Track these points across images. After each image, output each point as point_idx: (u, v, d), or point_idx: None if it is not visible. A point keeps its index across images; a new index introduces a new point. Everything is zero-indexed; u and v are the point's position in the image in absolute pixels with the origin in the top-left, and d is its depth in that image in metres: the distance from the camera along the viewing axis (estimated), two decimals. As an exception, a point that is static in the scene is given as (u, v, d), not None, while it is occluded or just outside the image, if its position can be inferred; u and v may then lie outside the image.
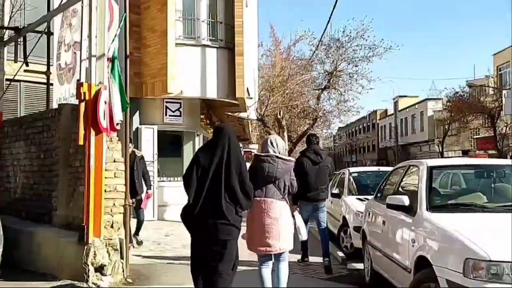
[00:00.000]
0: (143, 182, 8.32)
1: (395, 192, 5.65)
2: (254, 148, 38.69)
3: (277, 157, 4.76)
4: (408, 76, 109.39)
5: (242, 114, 18.23)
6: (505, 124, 28.22)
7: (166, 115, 13.21)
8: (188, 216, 4.17)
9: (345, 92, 18.05)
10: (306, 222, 6.71)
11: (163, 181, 13.15)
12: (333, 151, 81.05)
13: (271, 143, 4.87)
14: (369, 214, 6.47)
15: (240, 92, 12.83)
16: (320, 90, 18.55)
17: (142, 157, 8.50)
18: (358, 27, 17.30)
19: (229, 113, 16.99)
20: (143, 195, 8.36)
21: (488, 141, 32.33)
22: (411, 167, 5.66)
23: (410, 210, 4.74)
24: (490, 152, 31.45)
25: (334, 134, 29.27)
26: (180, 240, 9.11)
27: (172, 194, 13.01)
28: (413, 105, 48.44)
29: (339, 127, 35.73)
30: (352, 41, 17.46)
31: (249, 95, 16.54)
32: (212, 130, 17.57)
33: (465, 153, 36.94)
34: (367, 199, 7.57)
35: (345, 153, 73.73)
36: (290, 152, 20.00)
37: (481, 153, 32.65)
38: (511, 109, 14.85)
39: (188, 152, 14.01)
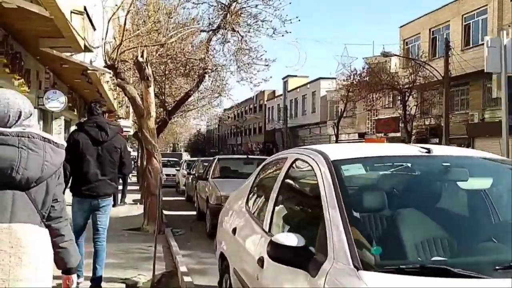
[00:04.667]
0: None
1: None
2: (127, 125, 30.36)
3: (43, 138, 2.24)
4: (318, 38, 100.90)
5: (80, 58, 10.70)
6: (416, 103, 24.00)
7: None
8: None
9: (248, 33, 11.35)
10: (81, 230, 4.99)
11: None
12: (218, 132, 75.22)
13: (18, 104, 2.26)
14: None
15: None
16: (210, 32, 11.67)
17: None
18: None
19: (53, 51, 9.40)
20: None
21: (388, 123, 28.24)
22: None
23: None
24: (392, 135, 27.39)
25: (221, 111, 22.39)
26: None
27: None
28: (304, 84, 43.75)
29: (225, 109, 28.50)
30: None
31: (87, 15, 9.16)
32: (22, 81, 9.71)
33: (361, 136, 32.88)
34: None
35: (230, 135, 68.14)
36: (163, 125, 12.86)
37: (382, 135, 28.51)
38: (501, 64, 9.08)
39: None
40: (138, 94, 9.99)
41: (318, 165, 2.62)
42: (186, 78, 13.20)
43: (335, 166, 2.50)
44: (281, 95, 50.04)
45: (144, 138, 9.26)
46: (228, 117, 26.37)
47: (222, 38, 11.88)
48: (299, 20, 12.03)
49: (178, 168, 22.24)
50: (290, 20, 11.66)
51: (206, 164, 14.07)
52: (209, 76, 12.49)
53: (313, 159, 2.73)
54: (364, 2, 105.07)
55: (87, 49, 9.86)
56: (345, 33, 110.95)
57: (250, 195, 3.76)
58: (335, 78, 34.58)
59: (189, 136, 76.76)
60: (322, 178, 2.47)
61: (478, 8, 22.26)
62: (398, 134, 27.15)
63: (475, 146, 22.47)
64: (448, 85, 21.34)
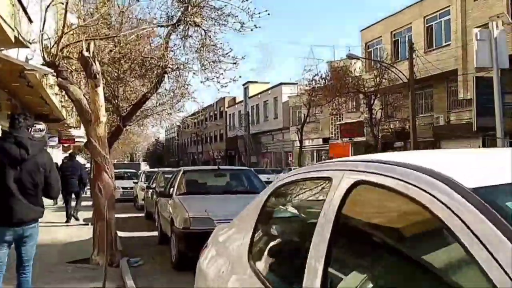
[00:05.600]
0: None
1: None
2: (79, 135, 27.89)
3: None
4: (286, 40, 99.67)
5: (13, 55, 8.87)
6: (381, 107, 23.20)
7: None
8: None
9: (212, 27, 9.85)
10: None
11: None
12: (178, 140, 72.90)
13: None
14: None
15: None
16: (169, 27, 10.11)
17: None
18: None
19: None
20: None
21: (353, 127, 27.41)
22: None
23: None
24: (358, 139, 26.58)
25: (184, 116, 20.37)
26: None
27: None
28: (265, 90, 42.61)
29: (184, 117, 26.74)
30: None
31: (19, 1, 7.46)
32: None
33: (325, 141, 32.00)
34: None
35: (190, 143, 66.15)
36: (117, 133, 11.13)
37: (347, 140, 27.66)
38: (489, 55, 7.93)
39: None
40: (85, 96, 8.29)
41: (443, 204, 1.15)
42: (142, 79, 11.53)
43: (492, 205, 1.07)
44: (242, 101, 48.76)
45: (92, 148, 7.56)
46: (190, 124, 24.50)
47: (183, 33, 10.33)
48: (269, 14, 10.65)
49: (136, 181, 20.29)
50: (259, 13, 10.25)
51: (168, 176, 12.38)
52: (169, 77, 10.89)
53: (417, 186, 1.24)
54: (324, 1, 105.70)
55: (19, 42, 8.09)
56: (310, 34, 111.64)
57: (257, 239, 2.17)
58: (296, 83, 33.65)
59: (147, 145, 73.99)
60: (476, 235, 1.03)
61: (441, 10, 21.77)
62: (364, 139, 26.39)
63: (442, 149, 21.88)
64: (413, 88, 20.67)
